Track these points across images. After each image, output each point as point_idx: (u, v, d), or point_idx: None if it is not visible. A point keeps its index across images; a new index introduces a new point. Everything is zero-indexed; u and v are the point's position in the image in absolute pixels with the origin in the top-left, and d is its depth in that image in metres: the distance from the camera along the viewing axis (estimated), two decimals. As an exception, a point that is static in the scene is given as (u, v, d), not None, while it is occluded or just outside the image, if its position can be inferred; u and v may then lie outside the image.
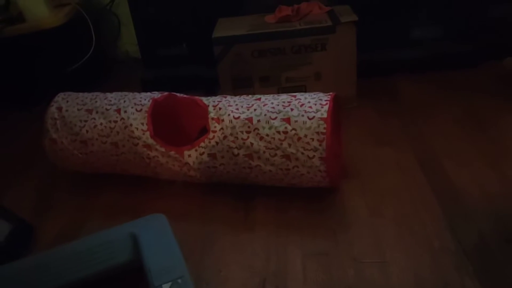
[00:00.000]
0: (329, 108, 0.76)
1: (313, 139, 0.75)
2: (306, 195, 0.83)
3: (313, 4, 1.10)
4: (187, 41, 1.28)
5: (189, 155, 0.83)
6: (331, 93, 0.81)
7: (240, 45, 1.04)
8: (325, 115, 0.75)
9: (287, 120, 0.77)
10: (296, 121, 0.76)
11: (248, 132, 0.78)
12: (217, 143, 0.80)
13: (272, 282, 0.67)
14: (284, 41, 1.03)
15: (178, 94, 0.92)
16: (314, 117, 0.76)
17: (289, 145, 0.76)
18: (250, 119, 0.79)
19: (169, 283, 0.58)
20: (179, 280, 0.59)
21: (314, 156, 0.75)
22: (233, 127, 0.79)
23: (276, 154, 0.77)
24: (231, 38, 1.04)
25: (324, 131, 0.74)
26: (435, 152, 0.91)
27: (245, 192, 0.86)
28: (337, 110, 0.84)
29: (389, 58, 1.24)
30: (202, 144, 0.82)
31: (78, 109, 0.89)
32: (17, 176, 1.01)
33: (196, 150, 0.82)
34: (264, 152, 0.77)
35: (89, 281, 0.66)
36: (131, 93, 0.92)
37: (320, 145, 0.74)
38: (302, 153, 0.76)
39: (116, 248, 0.68)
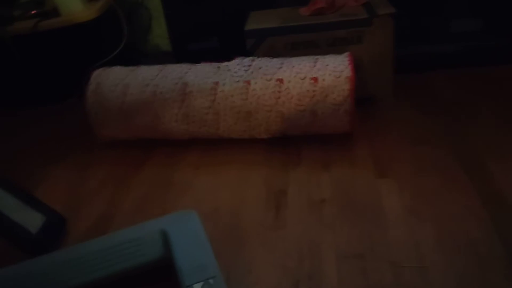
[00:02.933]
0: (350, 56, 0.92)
1: (339, 65, 0.89)
2: (340, 193, 0.80)
3: (349, -4, 1.06)
4: (219, 35, 1.27)
5: (224, 84, 0.93)
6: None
7: (273, 38, 1.02)
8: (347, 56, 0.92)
9: (316, 60, 0.93)
10: (324, 58, 0.93)
11: (281, 63, 0.92)
12: (252, 72, 0.92)
13: (305, 285, 0.64)
14: (319, 34, 1.00)
15: None
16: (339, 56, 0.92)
17: (318, 70, 0.89)
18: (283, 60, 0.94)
19: (201, 283, 0.57)
20: (211, 280, 0.57)
21: (340, 76, 0.87)
22: (268, 60, 0.95)
23: (305, 77, 0.88)
24: (263, 30, 1.02)
25: (348, 60, 0.90)
26: (478, 153, 0.86)
27: (277, 187, 0.84)
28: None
29: (427, 53, 1.19)
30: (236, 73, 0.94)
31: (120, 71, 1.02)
32: (50, 169, 1.02)
33: (236, 81, 0.92)
34: (294, 76, 0.89)
35: (118, 277, 0.66)
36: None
37: (345, 67, 0.88)
38: (329, 75, 0.88)
39: (146, 244, 0.67)
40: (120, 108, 0.96)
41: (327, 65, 0.90)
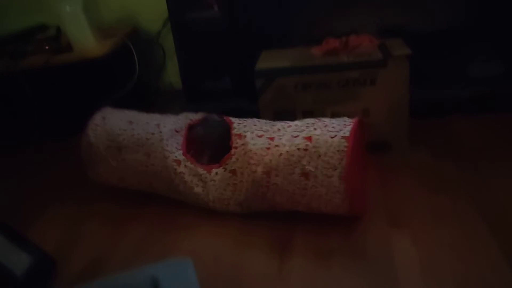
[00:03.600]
0: (352, 128, 0.74)
1: (332, 157, 0.72)
2: (350, 246, 0.74)
3: (363, 37, 1.03)
4: (230, 74, 1.25)
5: (216, 173, 0.83)
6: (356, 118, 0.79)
7: (283, 78, 0.99)
8: (347, 134, 0.73)
9: (309, 139, 0.75)
10: (317, 139, 0.74)
11: (268, 149, 0.77)
12: (237, 159, 0.80)
13: None
14: (331, 75, 0.96)
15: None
16: (336, 135, 0.74)
17: (308, 162, 0.73)
18: (272, 138, 0.78)
19: None
20: None
21: (333, 175, 0.72)
22: (254, 144, 0.79)
23: (294, 172, 0.75)
24: (274, 70, 0.99)
25: (345, 149, 0.71)
26: (501, 203, 0.79)
27: (281, 237, 0.78)
28: (362, 136, 0.82)
29: (445, 97, 1.14)
30: (228, 161, 0.82)
31: (120, 119, 0.93)
32: (48, 207, 0.99)
33: (222, 168, 0.82)
34: (282, 169, 0.75)
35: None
36: (173, 115, 0.95)
37: (339, 163, 0.71)
38: (321, 172, 0.72)
39: (135, 293, 0.61)
40: (114, 169, 0.92)
41: (320, 155, 0.73)
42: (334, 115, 1.00)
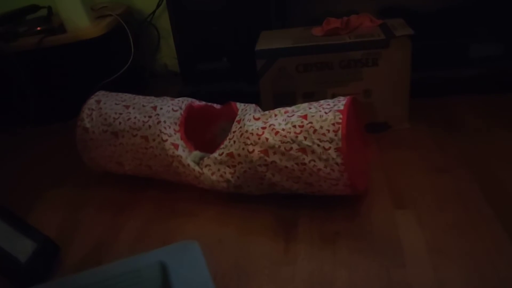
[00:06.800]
0: (346, 102, 0.76)
1: (328, 130, 0.73)
2: (355, 228, 0.74)
3: (364, 17, 1.02)
4: (228, 55, 1.23)
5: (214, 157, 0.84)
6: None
7: (285, 59, 0.97)
8: (341, 108, 0.74)
9: (304, 117, 0.76)
10: (313, 116, 0.75)
11: (263, 128, 0.78)
12: (234, 142, 0.80)
13: (317, 329, 0.58)
14: (332, 55, 0.95)
15: (215, 105, 0.93)
16: (330, 110, 0.75)
17: (305, 138, 0.74)
18: (267, 121, 0.79)
19: (200, 326, 0.51)
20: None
21: (330, 147, 0.72)
22: (250, 125, 0.79)
23: (291, 148, 0.75)
24: (275, 51, 0.98)
25: (340, 121, 0.72)
26: (502, 182, 0.80)
27: (287, 218, 0.79)
28: (358, 114, 0.84)
29: (445, 77, 1.14)
30: (222, 146, 0.83)
31: (116, 104, 0.91)
32: (47, 192, 0.97)
33: (219, 154, 0.82)
34: (279, 146, 0.75)
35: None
36: (170, 98, 0.93)
37: (335, 135, 0.72)
38: (318, 145, 0.73)
39: (143, 278, 0.61)
40: (112, 154, 0.90)
41: (316, 130, 0.73)
42: (335, 96, 0.99)
